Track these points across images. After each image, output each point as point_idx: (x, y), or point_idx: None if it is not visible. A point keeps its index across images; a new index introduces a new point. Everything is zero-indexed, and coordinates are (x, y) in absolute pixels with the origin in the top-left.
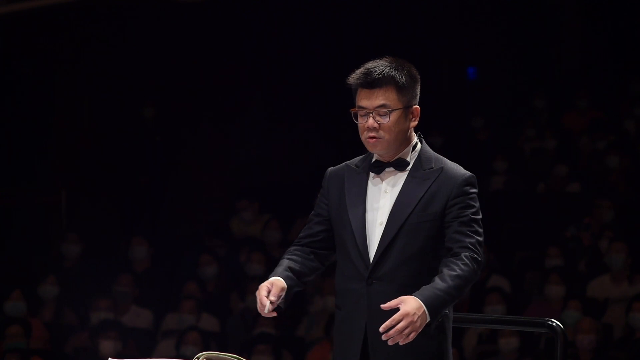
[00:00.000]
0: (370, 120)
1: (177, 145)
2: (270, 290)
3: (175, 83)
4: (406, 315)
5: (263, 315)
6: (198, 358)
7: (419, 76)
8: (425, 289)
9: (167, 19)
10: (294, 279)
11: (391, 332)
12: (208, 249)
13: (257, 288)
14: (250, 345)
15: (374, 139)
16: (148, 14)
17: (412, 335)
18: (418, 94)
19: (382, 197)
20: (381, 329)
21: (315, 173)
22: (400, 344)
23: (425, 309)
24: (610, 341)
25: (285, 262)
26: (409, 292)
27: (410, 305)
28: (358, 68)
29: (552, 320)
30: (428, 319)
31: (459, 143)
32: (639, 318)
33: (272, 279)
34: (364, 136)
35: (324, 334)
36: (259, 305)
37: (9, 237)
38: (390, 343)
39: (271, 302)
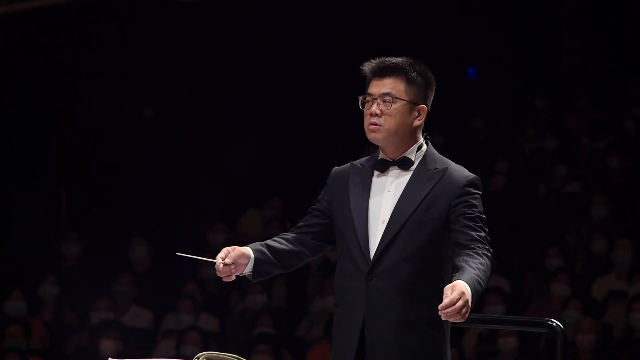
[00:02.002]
0: (374, 106)
1: (177, 145)
2: (229, 254)
3: (175, 83)
4: (462, 294)
5: (218, 274)
6: (198, 358)
7: (434, 81)
8: (465, 274)
9: (167, 19)
10: (267, 254)
11: (449, 309)
12: (208, 249)
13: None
14: (250, 345)
15: (374, 126)
16: (148, 14)
17: (467, 315)
18: (429, 96)
19: (385, 196)
20: (440, 307)
21: (315, 173)
22: (452, 320)
23: (470, 293)
24: (610, 341)
25: (267, 241)
26: (409, 290)
27: (463, 286)
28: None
29: (552, 320)
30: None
31: (459, 143)
32: (639, 318)
33: (238, 246)
34: (366, 123)
35: (324, 334)
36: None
37: (9, 237)
38: (443, 318)
39: (225, 264)
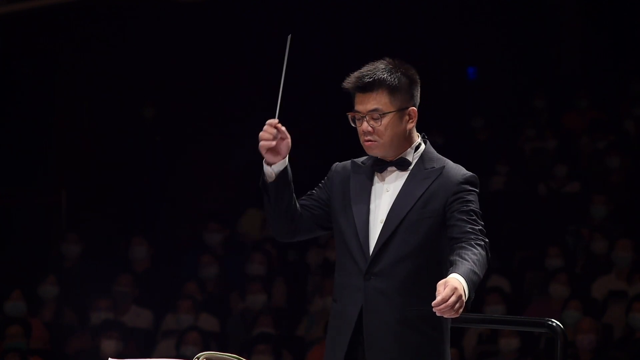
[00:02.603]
0: (365, 125)
1: (177, 145)
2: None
3: (175, 83)
4: (455, 290)
5: (263, 134)
6: (198, 358)
7: (417, 77)
8: (459, 266)
9: (167, 19)
10: (291, 180)
11: (442, 306)
12: (208, 249)
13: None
14: (250, 345)
15: (369, 142)
16: (148, 14)
17: (460, 310)
18: (416, 95)
19: (383, 196)
20: (433, 304)
21: (315, 173)
22: (446, 316)
23: (465, 285)
24: (610, 341)
25: None
26: (408, 290)
27: (455, 281)
28: (358, 68)
29: (552, 320)
30: (467, 295)
31: (459, 143)
32: (639, 318)
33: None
34: (361, 139)
35: (324, 334)
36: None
37: (9, 237)
38: (438, 314)
39: (278, 127)
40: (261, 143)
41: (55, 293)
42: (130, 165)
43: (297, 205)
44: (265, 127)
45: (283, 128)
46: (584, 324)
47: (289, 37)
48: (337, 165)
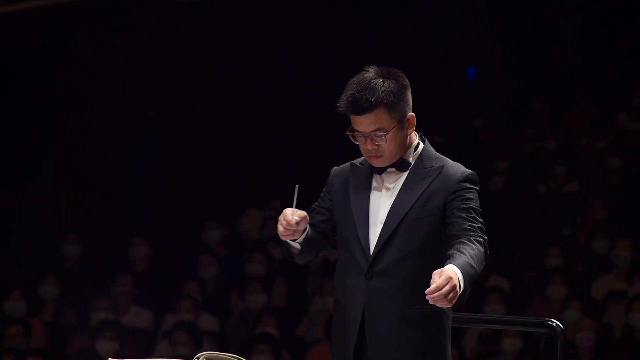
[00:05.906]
0: (369, 144)
1: (177, 145)
2: (299, 214)
3: (175, 83)
4: (450, 279)
5: (283, 231)
6: (198, 358)
7: (407, 81)
8: (456, 258)
9: (167, 19)
10: (313, 237)
11: (435, 294)
12: (208, 249)
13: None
14: (250, 345)
15: (375, 157)
16: (148, 14)
17: (454, 301)
18: (410, 100)
19: (383, 196)
20: (426, 292)
21: (316, 173)
22: (439, 305)
23: (460, 276)
24: (610, 341)
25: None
26: (409, 288)
27: (451, 271)
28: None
29: (552, 320)
30: (462, 287)
31: (459, 143)
32: (638, 318)
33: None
34: (365, 154)
35: (324, 334)
36: (280, 227)
37: (8, 237)
38: (431, 302)
39: (296, 221)
40: (282, 237)
41: (55, 293)
42: (131, 165)
43: (312, 234)
44: (284, 224)
45: (298, 219)
46: (583, 324)
47: (297, 187)
48: (335, 169)
